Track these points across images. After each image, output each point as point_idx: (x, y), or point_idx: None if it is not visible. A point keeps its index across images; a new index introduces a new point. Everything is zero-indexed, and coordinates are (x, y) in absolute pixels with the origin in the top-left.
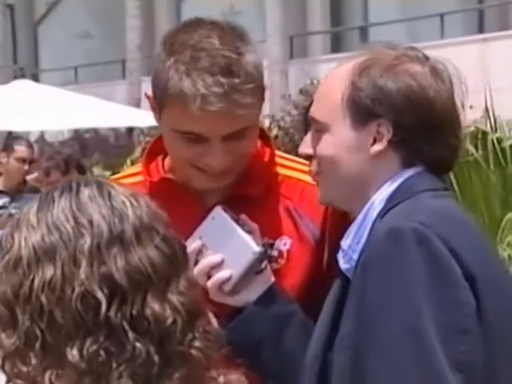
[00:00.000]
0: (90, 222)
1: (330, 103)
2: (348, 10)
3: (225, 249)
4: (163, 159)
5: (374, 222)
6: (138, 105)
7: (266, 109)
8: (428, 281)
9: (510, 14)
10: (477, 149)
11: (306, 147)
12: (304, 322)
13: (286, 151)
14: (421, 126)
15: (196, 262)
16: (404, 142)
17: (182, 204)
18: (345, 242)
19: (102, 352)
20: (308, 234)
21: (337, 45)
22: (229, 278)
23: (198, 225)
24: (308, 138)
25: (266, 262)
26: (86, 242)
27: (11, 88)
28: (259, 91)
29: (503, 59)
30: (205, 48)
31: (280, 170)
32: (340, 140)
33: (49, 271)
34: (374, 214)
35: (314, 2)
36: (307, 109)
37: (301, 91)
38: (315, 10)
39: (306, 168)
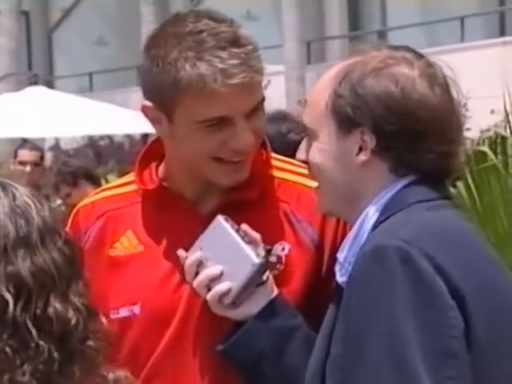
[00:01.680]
0: None
1: (316, 111)
2: (366, 14)
3: (225, 260)
4: (157, 166)
5: (369, 233)
6: None
7: None
8: (412, 303)
9: None
10: (496, 154)
11: (301, 153)
12: (308, 336)
13: None
14: (403, 134)
15: (197, 274)
16: (388, 150)
17: (176, 212)
18: (341, 255)
19: (7, 349)
20: (306, 238)
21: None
22: (228, 291)
23: (194, 233)
24: (304, 143)
25: (267, 274)
26: None
27: (26, 95)
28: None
29: None
30: (203, 30)
31: (277, 173)
32: (327, 148)
33: None
34: (369, 225)
35: (332, 6)
36: None
37: None
38: (333, 14)
39: (303, 170)
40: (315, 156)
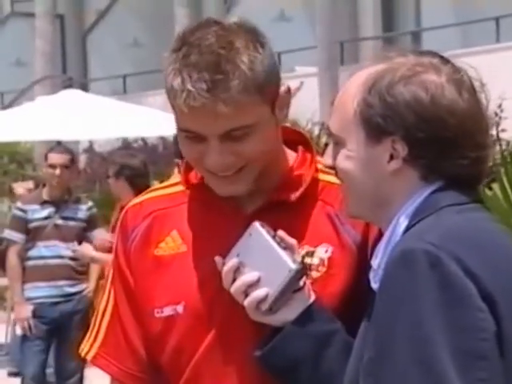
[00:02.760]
0: None
1: (344, 118)
2: (400, 15)
3: (262, 266)
4: None
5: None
6: None
7: (316, 116)
8: (441, 306)
9: None
10: None
11: (327, 158)
12: (345, 342)
13: None
14: (434, 142)
15: (234, 280)
16: (420, 158)
17: (220, 212)
18: (374, 261)
19: None
20: (350, 241)
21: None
22: (265, 297)
23: (237, 233)
24: (330, 149)
25: (304, 280)
26: None
27: (60, 97)
28: (256, 90)
29: None
30: (199, 45)
31: (322, 176)
32: (356, 156)
33: None
34: (400, 230)
35: (366, 6)
36: None
37: None
38: (367, 14)
39: None
40: (343, 163)
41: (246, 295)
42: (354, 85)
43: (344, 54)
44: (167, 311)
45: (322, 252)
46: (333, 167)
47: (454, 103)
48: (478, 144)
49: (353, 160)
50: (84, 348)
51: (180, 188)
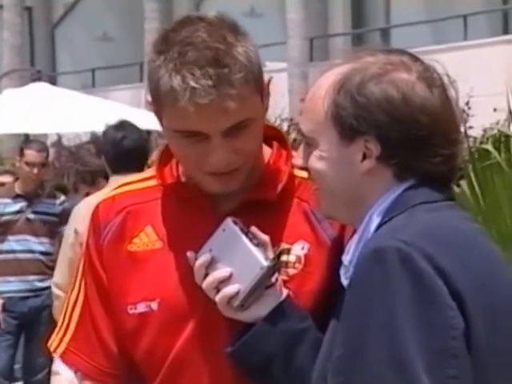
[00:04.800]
0: None
1: (315, 119)
2: (370, 12)
3: (234, 262)
4: (177, 163)
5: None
6: None
7: (286, 112)
8: (411, 304)
9: None
10: (499, 152)
11: (297, 159)
12: (316, 339)
13: None
14: (408, 140)
15: (206, 275)
16: (393, 157)
17: (195, 209)
18: (345, 258)
19: None
20: (326, 238)
21: (358, 47)
22: (237, 293)
23: (211, 233)
24: (300, 150)
25: (276, 276)
26: None
27: (28, 91)
28: (254, 81)
29: None
30: (192, 42)
31: (297, 173)
32: (328, 156)
33: None
34: (372, 228)
35: (336, 3)
36: None
37: None
38: (336, 11)
39: None
40: (316, 163)
41: (218, 291)
42: (323, 86)
43: (313, 50)
44: (141, 308)
45: (299, 249)
46: (304, 168)
47: (425, 101)
48: (450, 141)
49: (326, 160)
50: (53, 343)
51: (153, 182)
